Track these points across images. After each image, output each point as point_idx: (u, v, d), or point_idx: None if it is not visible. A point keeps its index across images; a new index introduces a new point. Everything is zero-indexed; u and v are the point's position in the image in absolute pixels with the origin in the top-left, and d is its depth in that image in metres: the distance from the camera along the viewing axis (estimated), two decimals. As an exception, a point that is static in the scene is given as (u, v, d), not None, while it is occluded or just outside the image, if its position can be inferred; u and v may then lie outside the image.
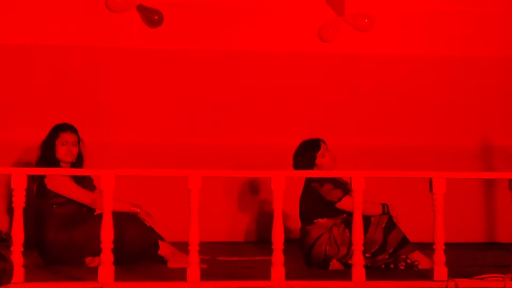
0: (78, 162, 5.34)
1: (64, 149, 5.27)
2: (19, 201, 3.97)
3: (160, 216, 6.39)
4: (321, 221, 5.21)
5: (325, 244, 5.11)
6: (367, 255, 4.85)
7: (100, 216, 4.98)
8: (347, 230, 5.06)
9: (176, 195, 6.32)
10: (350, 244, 4.94)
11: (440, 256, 4.30)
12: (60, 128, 5.36)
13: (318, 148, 5.29)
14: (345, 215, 5.22)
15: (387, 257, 5.05)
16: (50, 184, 5.04)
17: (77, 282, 4.17)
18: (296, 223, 5.63)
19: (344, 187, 5.21)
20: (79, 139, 5.41)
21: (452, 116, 7.12)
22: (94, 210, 5.33)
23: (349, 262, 4.89)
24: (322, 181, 5.19)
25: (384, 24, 7.11)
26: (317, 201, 5.22)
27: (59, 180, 5.04)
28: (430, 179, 4.34)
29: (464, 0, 7.18)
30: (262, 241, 6.50)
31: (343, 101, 7.05)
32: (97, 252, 4.84)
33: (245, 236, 6.84)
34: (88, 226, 5.06)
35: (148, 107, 6.86)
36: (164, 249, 5.14)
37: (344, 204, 5.13)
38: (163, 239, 5.18)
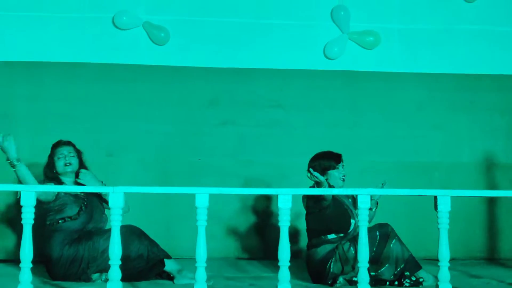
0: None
1: (62, 162, 5.37)
2: (29, 218, 4.01)
3: (166, 233, 6.48)
4: (328, 238, 5.25)
5: (330, 261, 5.14)
6: (372, 273, 4.87)
7: (105, 232, 5.03)
8: (351, 247, 5.09)
9: (182, 211, 6.43)
10: (354, 261, 4.97)
11: (445, 273, 4.32)
12: (54, 145, 5.50)
13: (339, 160, 5.40)
14: (351, 230, 5.27)
15: (392, 275, 5.07)
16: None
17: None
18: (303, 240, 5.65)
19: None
20: (75, 150, 5.49)
21: (456, 133, 7.13)
22: (100, 226, 5.37)
23: (354, 279, 4.92)
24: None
25: (389, 42, 7.14)
26: (323, 217, 5.27)
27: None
28: (435, 197, 4.36)
29: (468, 18, 7.20)
30: (268, 257, 6.53)
31: (348, 118, 7.09)
32: (103, 267, 4.89)
33: (251, 252, 6.87)
34: (93, 241, 5.09)
35: (155, 123, 6.90)
36: (170, 266, 5.17)
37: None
38: (169, 256, 5.21)
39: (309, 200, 5.30)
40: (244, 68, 7.02)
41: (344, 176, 5.42)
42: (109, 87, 6.90)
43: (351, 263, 5.06)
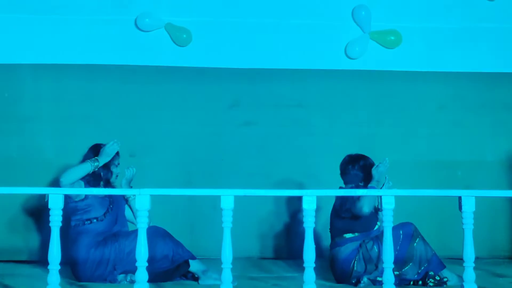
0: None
1: (115, 171, 5.43)
2: (56, 221, 4.05)
3: (190, 233, 6.52)
4: (351, 236, 5.26)
5: (354, 260, 5.16)
6: (396, 272, 4.88)
7: (130, 233, 5.07)
8: (375, 246, 5.10)
9: (206, 212, 6.47)
10: (377, 261, 4.99)
11: (470, 274, 4.32)
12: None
13: (373, 162, 5.43)
14: (375, 230, 5.28)
15: (416, 274, 5.08)
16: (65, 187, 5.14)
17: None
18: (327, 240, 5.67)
19: None
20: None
21: (479, 132, 7.11)
22: (125, 227, 5.41)
23: (378, 278, 4.94)
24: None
25: (410, 41, 7.13)
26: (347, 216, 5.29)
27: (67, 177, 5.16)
28: (460, 198, 4.37)
29: (490, 17, 7.17)
30: (292, 257, 6.54)
31: (369, 117, 7.09)
32: (128, 269, 4.93)
33: (275, 252, 6.89)
34: (119, 243, 5.13)
35: (177, 125, 6.94)
36: (195, 266, 5.21)
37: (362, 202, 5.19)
38: (193, 257, 5.24)
39: (343, 205, 5.30)
40: (266, 68, 7.03)
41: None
42: (132, 89, 6.95)
43: (375, 262, 5.07)
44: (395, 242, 4.80)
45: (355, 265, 5.14)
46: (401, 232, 5.12)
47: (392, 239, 4.49)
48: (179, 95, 6.97)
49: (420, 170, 6.91)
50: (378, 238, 5.16)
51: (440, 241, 6.62)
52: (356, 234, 5.26)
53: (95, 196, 5.26)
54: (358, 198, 5.12)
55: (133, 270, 4.79)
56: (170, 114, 6.95)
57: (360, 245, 5.18)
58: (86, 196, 5.22)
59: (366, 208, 5.10)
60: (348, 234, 5.27)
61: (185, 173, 6.77)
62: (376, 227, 5.31)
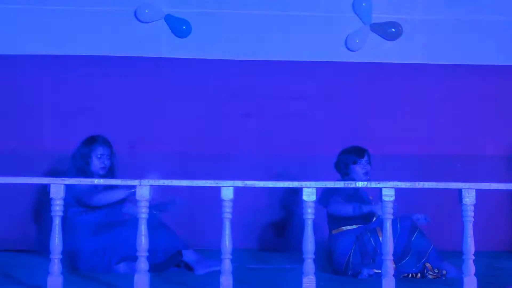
0: (108, 174, 5.41)
1: (99, 162, 5.35)
2: (58, 210, 4.05)
3: (190, 225, 6.52)
4: (349, 229, 5.27)
5: (350, 253, 5.17)
6: (394, 265, 4.88)
7: (124, 221, 5.06)
8: (371, 239, 5.11)
9: (205, 203, 6.46)
10: (374, 253, 4.99)
11: (469, 266, 4.32)
12: (95, 141, 5.43)
13: (361, 155, 5.40)
14: (373, 222, 5.29)
15: (415, 267, 5.08)
16: (88, 201, 5.14)
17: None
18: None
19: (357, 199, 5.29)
20: (111, 152, 5.48)
21: (480, 125, 7.11)
22: (120, 216, 5.37)
23: (375, 271, 4.94)
24: (336, 190, 5.27)
25: (411, 33, 7.12)
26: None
27: (97, 198, 5.14)
28: (460, 190, 4.36)
29: (492, 9, 7.16)
30: (291, 249, 6.54)
31: (370, 110, 7.08)
32: (125, 256, 4.92)
33: (274, 244, 6.88)
34: (114, 232, 5.11)
35: (176, 116, 6.94)
36: (188, 256, 5.18)
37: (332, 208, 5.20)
38: (187, 246, 5.22)
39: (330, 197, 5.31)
40: (265, 60, 7.03)
41: (366, 171, 5.41)
42: (131, 80, 6.94)
43: (371, 255, 5.08)
44: (393, 235, 4.80)
45: (351, 257, 5.15)
46: (399, 225, 5.13)
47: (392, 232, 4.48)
48: (178, 86, 6.97)
49: (420, 163, 6.91)
50: (375, 231, 5.17)
51: (440, 234, 6.65)
52: (354, 226, 5.27)
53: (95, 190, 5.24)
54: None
55: (129, 258, 4.79)
56: (169, 106, 6.95)
57: (357, 238, 5.19)
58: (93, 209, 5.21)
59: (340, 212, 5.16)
60: (345, 227, 5.27)
61: (183, 164, 6.76)
62: (374, 219, 5.31)
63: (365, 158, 5.45)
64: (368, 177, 5.42)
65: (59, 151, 6.58)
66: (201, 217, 6.61)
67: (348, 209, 5.21)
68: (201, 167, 6.75)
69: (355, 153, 5.46)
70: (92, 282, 4.57)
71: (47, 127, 6.79)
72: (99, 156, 5.38)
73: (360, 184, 4.83)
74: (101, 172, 5.36)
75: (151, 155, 6.68)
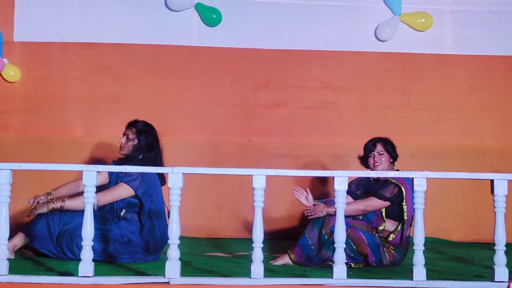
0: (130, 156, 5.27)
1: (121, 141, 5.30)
2: (90, 197, 4.08)
3: (216, 213, 6.54)
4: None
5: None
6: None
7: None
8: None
9: (231, 192, 6.49)
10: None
11: (501, 257, 4.29)
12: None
13: (372, 148, 5.35)
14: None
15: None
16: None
17: (144, 276, 4.27)
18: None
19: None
20: (136, 135, 5.26)
21: (508, 116, 7.07)
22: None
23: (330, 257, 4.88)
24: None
25: (440, 23, 7.09)
26: None
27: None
28: (492, 181, 4.33)
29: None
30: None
31: (398, 100, 7.07)
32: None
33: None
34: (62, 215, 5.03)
35: (206, 104, 6.97)
36: None
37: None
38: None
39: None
40: (295, 49, 7.04)
41: (378, 163, 5.31)
42: (161, 68, 6.98)
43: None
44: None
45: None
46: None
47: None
48: (208, 75, 6.99)
49: (448, 154, 6.90)
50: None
51: (469, 225, 6.64)
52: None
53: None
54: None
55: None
56: (199, 94, 6.98)
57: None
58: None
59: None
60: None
61: (212, 153, 6.80)
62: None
63: (378, 148, 5.36)
64: (380, 167, 5.31)
65: (86, 139, 6.67)
66: (228, 206, 6.65)
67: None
68: (230, 155, 6.78)
69: (366, 146, 5.41)
70: (121, 270, 4.60)
71: (77, 115, 6.86)
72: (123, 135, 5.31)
73: (391, 174, 4.82)
74: (121, 152, 5.30)
75: (180, 144, 6.71)
